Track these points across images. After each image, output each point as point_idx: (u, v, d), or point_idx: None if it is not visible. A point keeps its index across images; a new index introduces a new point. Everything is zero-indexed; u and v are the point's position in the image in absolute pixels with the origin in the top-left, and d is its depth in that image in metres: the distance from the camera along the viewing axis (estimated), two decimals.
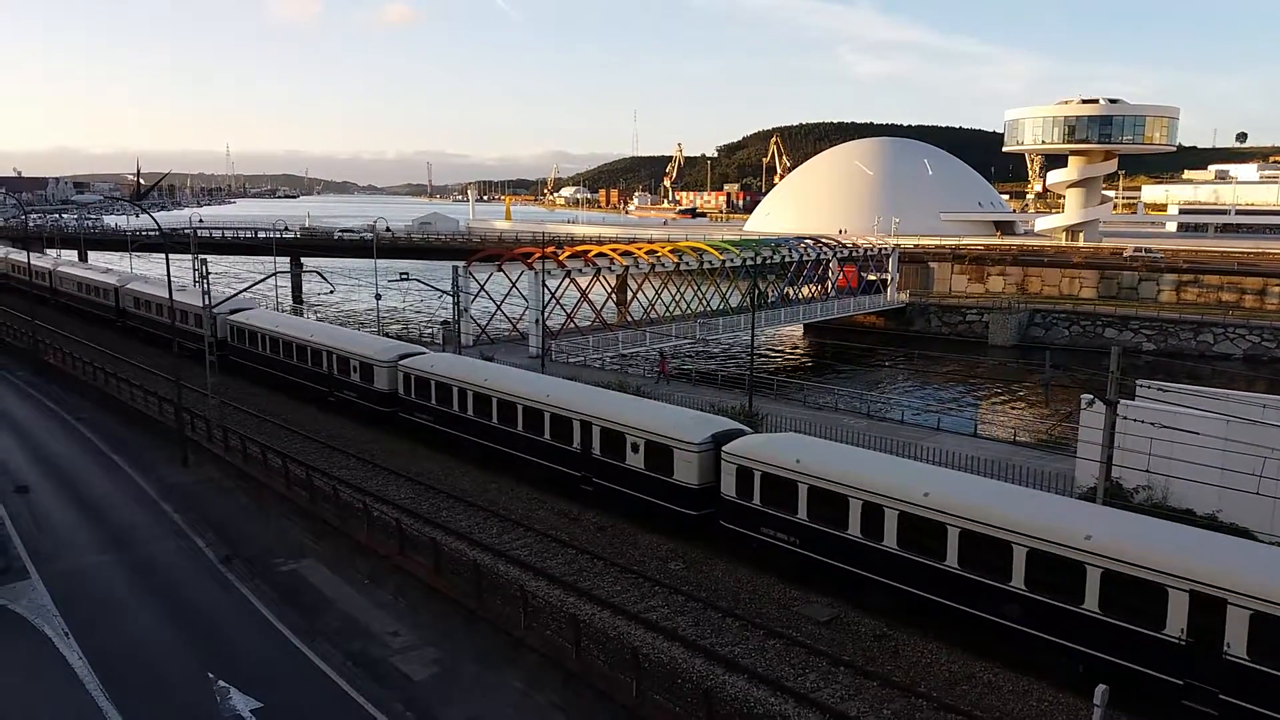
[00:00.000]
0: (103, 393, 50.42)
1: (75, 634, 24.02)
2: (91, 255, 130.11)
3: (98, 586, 27.16)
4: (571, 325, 69.88)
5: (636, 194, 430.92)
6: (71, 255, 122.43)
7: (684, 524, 29.81)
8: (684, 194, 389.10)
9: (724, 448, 28.57)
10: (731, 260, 79.23)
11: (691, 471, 29.28)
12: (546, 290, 63.08)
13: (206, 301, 43.98)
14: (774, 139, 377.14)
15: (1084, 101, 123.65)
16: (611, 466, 31.99)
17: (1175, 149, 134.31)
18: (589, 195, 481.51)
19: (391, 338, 59.92)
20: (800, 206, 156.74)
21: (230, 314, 54.87)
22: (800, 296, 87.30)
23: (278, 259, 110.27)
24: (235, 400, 47.51)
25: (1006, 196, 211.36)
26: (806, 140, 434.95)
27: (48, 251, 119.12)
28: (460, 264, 66.84)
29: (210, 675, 21.93)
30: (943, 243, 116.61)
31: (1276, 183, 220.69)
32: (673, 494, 29.90)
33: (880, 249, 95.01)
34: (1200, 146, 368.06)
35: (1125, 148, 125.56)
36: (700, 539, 29.50)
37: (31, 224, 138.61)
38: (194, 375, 48.21)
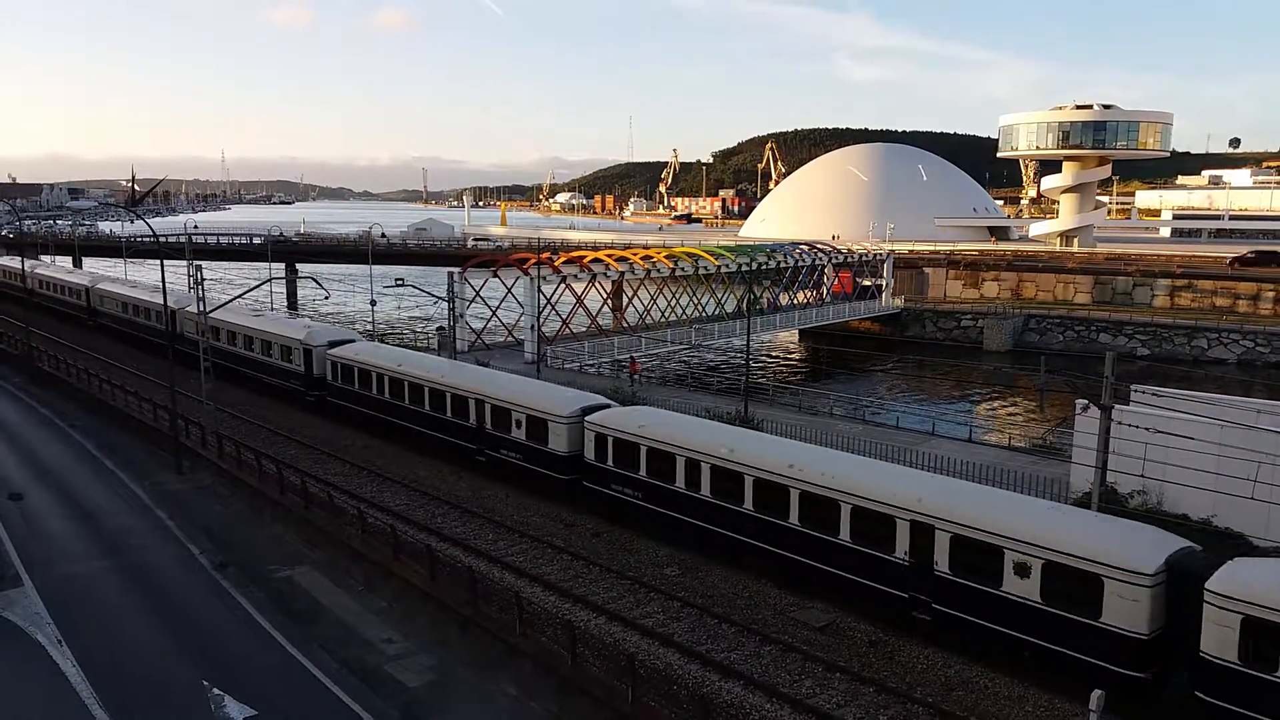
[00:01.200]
0: (97, 399, 50.27)
1: (69, 641, 23.93)
2: (86, 262, 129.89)
3: (92, 593, 27.07)
4: (567, 331, 69.87)
5: (632, 200, 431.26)
6: (84, 262, 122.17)
7: (556, 487, 33.90)
8: (679, 199, 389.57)
9: (586, 418, 32.61)
10: (727, 266, 79.29)
11: (561, 440, 33.50)
12: (542, 296, 63.13)
13: (202, 308, 43.93)
14: (769, 144, 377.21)
15: (1078, 107, 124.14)
16: (500, 438, 36.40)
17: (1169, 154, 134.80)
18: (584, 201, 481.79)
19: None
20: (795, 212, 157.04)
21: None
22: (795, 302, 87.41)
23: (272, 265, 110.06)
24: (229, 406, 47.41)
25: (1001, 202, 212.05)
26: (802, 146, 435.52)
27: (44, 258, 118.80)
28: (456, 270, 66.88)
29: (204, 682, 21.85)
30: (937, 248, 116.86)
31: (1270, 188, 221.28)
32: (548, 461, 34.16)
33: (875, 254, 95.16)
34: (1194, 152, 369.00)
35: (1119, 153, 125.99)
36: (572, 502, 33.41)
37: (25, 230, 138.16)
38: (189, 382, 48.09)
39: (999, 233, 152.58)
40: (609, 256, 75.19)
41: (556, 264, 68.26)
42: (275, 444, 42.23)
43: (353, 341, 49.26)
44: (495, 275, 70.77)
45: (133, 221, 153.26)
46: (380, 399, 43.06)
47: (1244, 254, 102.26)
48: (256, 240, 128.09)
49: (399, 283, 63.12)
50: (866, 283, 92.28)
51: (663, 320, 77.55)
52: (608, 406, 34.28)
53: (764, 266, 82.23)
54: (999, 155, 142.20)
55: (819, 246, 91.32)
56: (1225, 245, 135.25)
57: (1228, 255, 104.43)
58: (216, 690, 21.52)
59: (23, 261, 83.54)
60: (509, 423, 35.57)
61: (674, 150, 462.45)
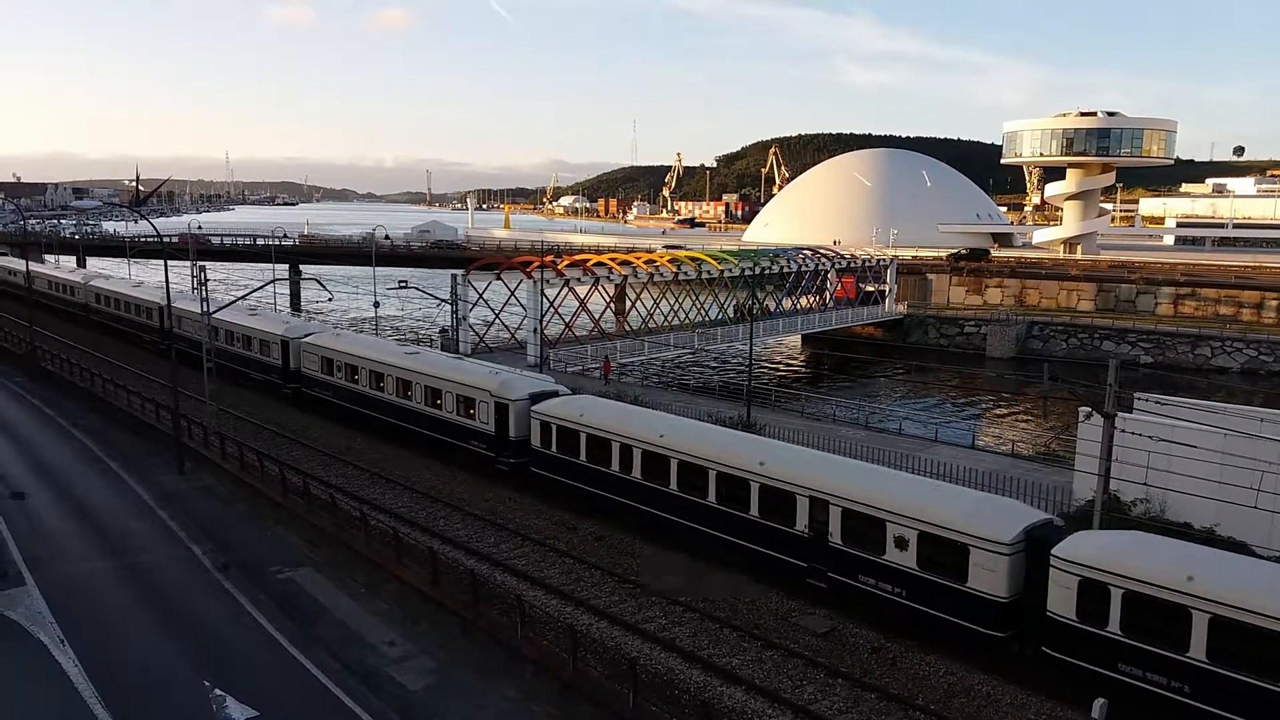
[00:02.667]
0: (100, 399, 50.34)
1: (71, 641, 23.94)
2: (91, 261, 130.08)
3: (94, 593, 27.08)
4: (570, 334, 69.91)
5: (635, 203, 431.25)
6: (98, 262, 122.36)
7: (507, 472, 37.21)
8: (683, 204, 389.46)
9: (533, 407, 35.48)
10: (730, 270, 79.34)
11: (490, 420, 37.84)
12: (545, 299, 63.18)
13: (205, 309, 44.01)
14: (773, 149, 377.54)
15: (1082, 114, 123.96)
16: (459, 426, 39.60)
17: (1173, 162, 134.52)
18: (588, 204, 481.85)
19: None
20: (799, 217, 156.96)
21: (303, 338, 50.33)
22: (799, 307, 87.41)
23: (276, 266, 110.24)
24: (232, 407, 47.46)
25: (1004, 208, 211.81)
26: (805, 151, 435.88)
27: (49, 258, 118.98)
28: (459, 272, 66.96)
29: (206, 683, 21.85)
30: (941, 254, 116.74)
31: (1273, 196, 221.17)
32: (479, 438, 38.43)
33: (878, 260, 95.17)
34: (1198, 160, 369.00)
35: (1123, 160, 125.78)
36: (523, 486, 36.06)
37: (30, 229, 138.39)
38: (191, 382, 48.14)
39: (1002, 239, 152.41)
40: (612, 260, 75.25)
41: (560, 267, 68.33)
42: (278, 445, 42.27)
43: (321, 332, 53.11)
44: (499, 278, 70.83)
45: (136, 222, 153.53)
46: (344, 385, 46.72)
47: (957, 250, 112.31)
48: (261, 241, 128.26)
49: (402, 285, 63.25)
50: (869, 288, 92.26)
51: (666, 324, 77.58)
52: (558, 393, 37.18)
53: (767, 271, 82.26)
54: (1003, 162, 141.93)
55: (822, 251, 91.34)
56: (1229, 253, 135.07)
57: (1233, 264, 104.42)
58: (218, 691, 21.52)
59: (27, 262, 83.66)
60: (470, 409, 38.81)
61: (678, 154, 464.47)
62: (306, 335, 50.20)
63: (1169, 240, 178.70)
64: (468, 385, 38.60)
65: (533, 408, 35.64)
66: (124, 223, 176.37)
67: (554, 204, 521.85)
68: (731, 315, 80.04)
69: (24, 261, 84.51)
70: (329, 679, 22.27)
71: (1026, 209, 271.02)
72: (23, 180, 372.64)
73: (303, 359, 49.30)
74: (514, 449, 36.15)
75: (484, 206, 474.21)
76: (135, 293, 70.13)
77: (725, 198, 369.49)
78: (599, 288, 74.40)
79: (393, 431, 42.91)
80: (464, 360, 46.34)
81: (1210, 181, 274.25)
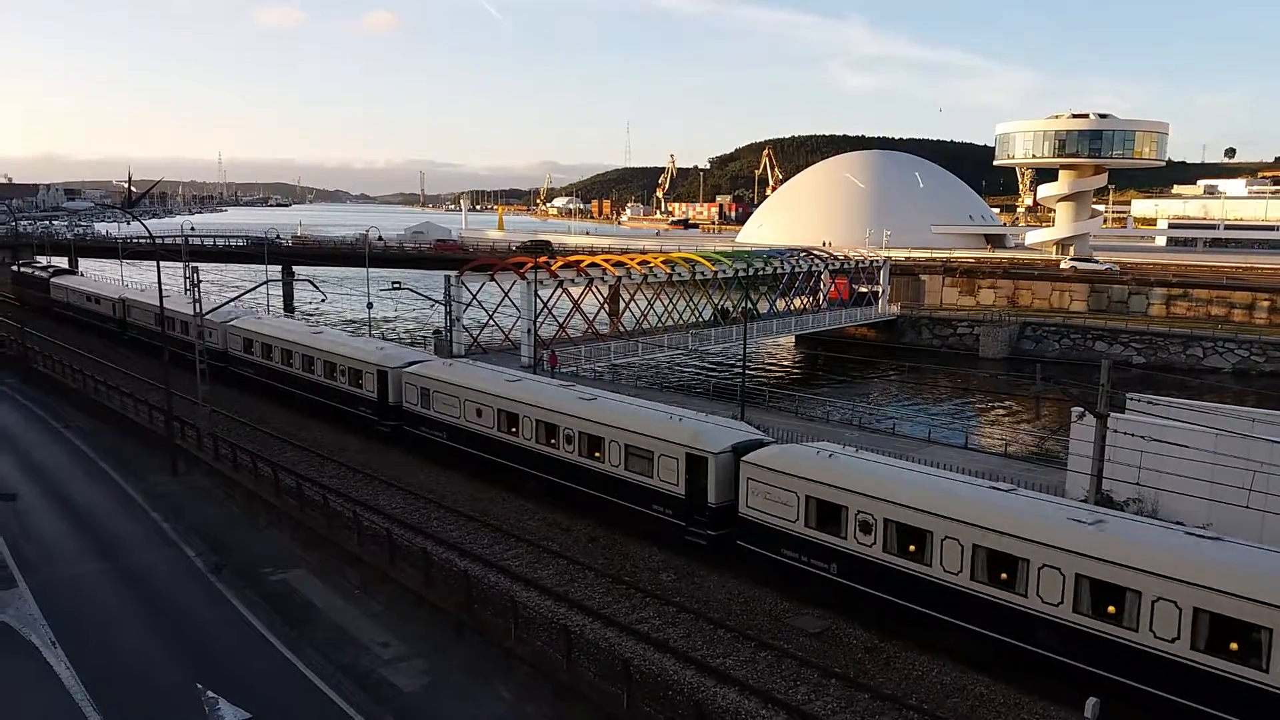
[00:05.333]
0: (93, 400, 50.16)
1: (63, 643, 23.85)
2: (83, 263, 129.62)
3: (86, 596, 26.99)
4: (564, 335, 69.86)
5: (629, 205, 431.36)
6: (90, 263, 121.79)
7: (381, 431, 42.30)
8: (676, 205, 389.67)
9: (404, 370, 39.01)
10: (724, 271, 79.39)
11: (387, 391, 42.00)
12: (539, 300, 63.16)
13: (199, 310, 43.93)
14: (766, 151, 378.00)
15: (1074, 116, 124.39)
16: (351, 394, 43.56)
17: (1165, 164, 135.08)
18: (582, 205, 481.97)
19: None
20: (792, 218, 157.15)
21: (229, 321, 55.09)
22: (792, 308, 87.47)
23: (269, 267, 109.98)
24: (226, 408, 47.35)
25: (997, 210, 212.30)
26: (799, 152, 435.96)
27: (40, 259, 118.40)
28: (453, 273, 66.88)
29: (199, 686, 21.79)
30: (934, 255, 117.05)
31: (1264, 198, 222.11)
32: (377, 409, 42.85)
33: (871, 261, 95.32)
34: (1189, 161, 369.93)
35: (1115, 162, 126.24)
36: (397, 442, 40.86)
37: (21, 231, 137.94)
38: (184, 383, 48.01)
39: (995, 240, 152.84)
40: (606, 261, 75.22)
41: (553, 268, 68.28)
42: (271, 446, 42.17)
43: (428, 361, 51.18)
44: (493, 279, 70.77)
45: (129, 223, 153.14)
46: (263, 363, 50.66)
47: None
48: (253, 238, 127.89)
49: (396, 286, 63.17)
50: (863, 289, 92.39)
51: (659, 325, 77.59)
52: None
53: (760, 272, 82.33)
54: (995, 163, 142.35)
55: (815, 253, 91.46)
56: (1221, 254, 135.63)
57: (1224, 265, 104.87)
58: (211, 693, 21.45)
59: (19, 264, 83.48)
60: (359, 378, 42.64)
61: (671, 156, 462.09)
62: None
63: (1161, 241, 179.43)
64: (657, 437, 30.45)
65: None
66: (116, 224, 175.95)
67: (548, 205, 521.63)
68: (710, 318, 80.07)
69: (19, 264, 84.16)
70: (322, 681, 22.23)
71: (1019, 210, 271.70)
72: (14, 181, 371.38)
73: (405, 392, 42.06)
74: (712, 517, 28.65)
75: (478, 208, 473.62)
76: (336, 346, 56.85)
77: (719, 199, 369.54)
78: (593, 289, 74.32)
79: (509, 475, 36.32)
80: (639, 405, 35.10)
81: (1202, 183, 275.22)
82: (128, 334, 68.57)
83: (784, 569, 26.40)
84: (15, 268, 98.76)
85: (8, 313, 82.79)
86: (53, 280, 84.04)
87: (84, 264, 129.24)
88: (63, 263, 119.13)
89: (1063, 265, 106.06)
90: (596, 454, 32.33)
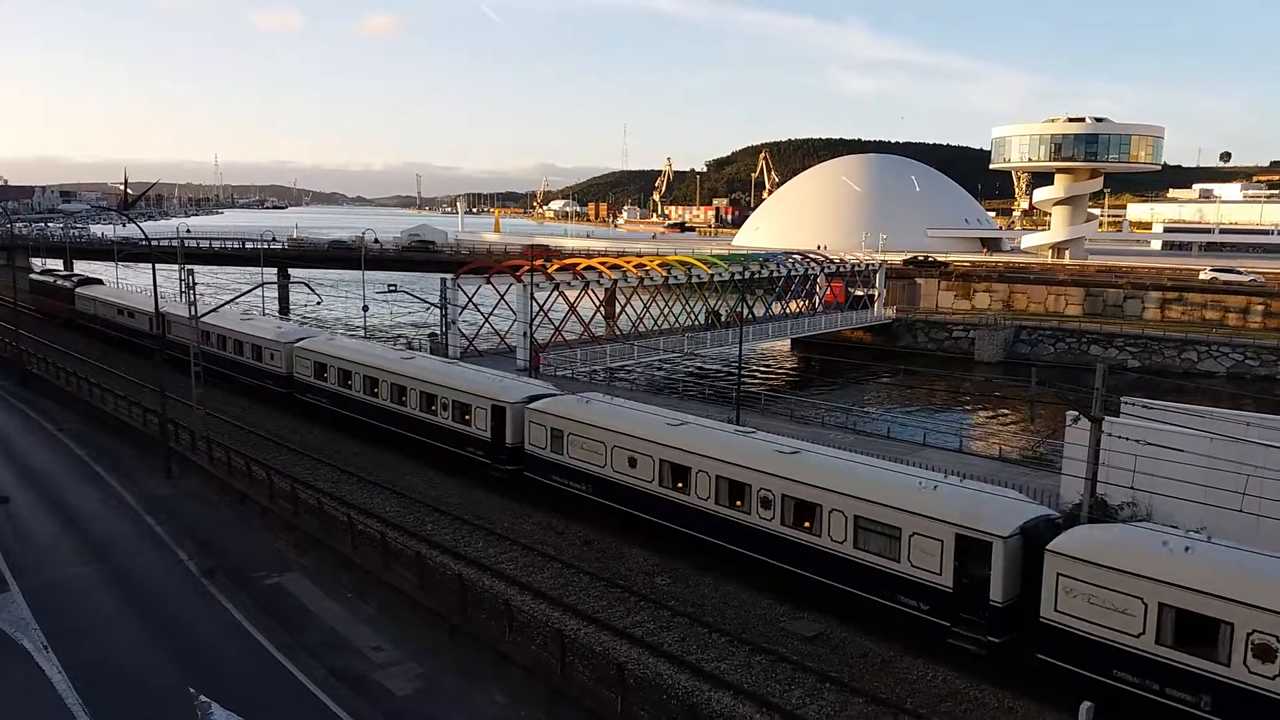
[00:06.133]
0: (87, 404, 50.02)
1: (55, 647, 23.74)
2: (78, 265, 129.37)
3: (78, 599, 26.88)
4: (559, 338, 69.81)
5: (625, 208, 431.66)
6: (84, 265, 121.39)
7: (278, 399, 48.65)
8: (673, 208, 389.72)
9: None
10: (720, 275, 79.42)
11: (281, 363, 48.46)
12: (534, 303, 63.10)
13: (194, 312, 43.82)
14: (763, 154, 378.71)
15: (1070, 120, 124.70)
16: (256, 368, 49.58)
17: (1160, 168, 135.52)
18: (578, 208, 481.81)
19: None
20: (788, 222, 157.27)
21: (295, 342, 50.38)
22: (788, 311, 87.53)
23: (265, 270, 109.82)
24: (220, 412, 47.24)
25: (993, 213, 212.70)
26: (795, 156, 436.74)
27: (35, 261, 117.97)
28: (449, 276, 66.81)
29: (192, 690, 21.71)
30: (929, 258, 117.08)
31: (1260, 202, 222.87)
32: (273, 379, 49.31)
33: (867, 264, 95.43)
34: (1185, 165, 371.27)
35: (1111, 166, 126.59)
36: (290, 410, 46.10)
37: (17, 233, 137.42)
38: (178, 386, 47.90)
39: (991, 244, 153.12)
40: (602, 264, 75.22)
41: (550, 271, 68.23)
42: (265, 449, 42.08)
43: (556, 396, 55.31)
44: (489, 282, 70.72)
45: (125, 225, 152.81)
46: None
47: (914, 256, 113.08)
48: (249, 245, 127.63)
49: (391, 289, 63.10)
50: (859, 293, 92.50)
51: (656, 328, 77.57)
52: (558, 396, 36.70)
53: (757, 276, 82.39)
54: (991, 167, 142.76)
55: (812, 256, 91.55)
56: (1216, 258, 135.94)
57: (1218, 268, 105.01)
58: (203, 697, 21.38)
59: (14, 269, 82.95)
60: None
61: (668, 159, 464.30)
62: (532, 399, 35.90)
63: (1156, 245, 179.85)
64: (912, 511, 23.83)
65: (296, 345, 48.52)
66: (112, 226, 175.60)
67: (544, 208, 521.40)
68: (703, 321, 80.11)
69: (13, 271, 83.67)
70: (315, 685, 22.16)
71: (1015, 214, 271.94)
72: (9, 183, 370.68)
73: (528, 431, 35.06)
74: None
75: (474, 210, 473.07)
76: (250, 329, 54.41)
77: (715, 202, 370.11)
78: (589, 292, 74.32)
79: (676, 540, 29.95)
80: (882, 468, 27.45)
81: (1197, 187, 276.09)
82: (168, 351, 61.27)
83: (554, 492, 33.64)
84: (33, 276, 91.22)
85: (27, 325, 76.31)
86: (78, 291, 76.79)
87: (79, 266, 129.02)
88: (58, 264, 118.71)
89: (1203, 276, 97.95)
90: (807, 524, 25.89)
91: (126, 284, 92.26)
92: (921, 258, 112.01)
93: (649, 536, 30.53)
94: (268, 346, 51.21)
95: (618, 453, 31.28)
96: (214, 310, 48.29)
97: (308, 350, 47.94)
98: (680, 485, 29.36)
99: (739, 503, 27.64)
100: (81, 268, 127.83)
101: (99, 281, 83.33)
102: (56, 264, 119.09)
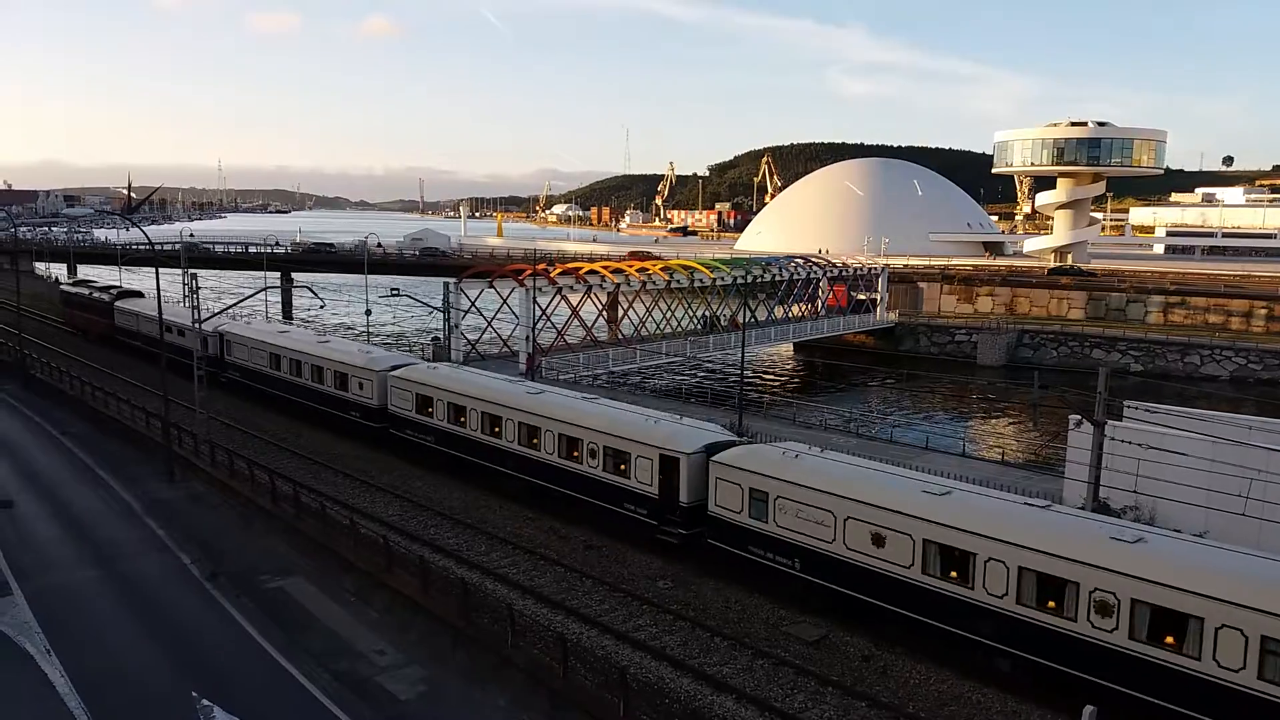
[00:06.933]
0: (90, 407, 50.09)
1: (57, 651, 23.77)
2: (80, 269, 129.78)
3: (81, 603, 26.91)
4: (562, 342, 69.87)
5: (628, 212, 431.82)
6: (88, 269, 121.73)
7: (365, 433, 44.23)
8: (675, 212, 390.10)
9: (392, 373, 42.21)
10: (722, 279, 79.43)
11: (372, 393, 44.12)
12: (537, 307, 63.17)
13: (196, 315, 43.92)
14: (765, 159, 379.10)
15: (1073, 124, 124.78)
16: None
17: (1163, 172, 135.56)
18: (581, 213, 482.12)
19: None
20: (791, 226, 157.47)
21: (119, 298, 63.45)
22: (791, 315, 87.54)
23: (268, 274, 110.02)
24: (223, 416, 47.29)
25: (995, 218, 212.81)
26: (798, 160, 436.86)
27: (38, 265, 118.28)
28: (452, 280, 66.91)
29: (194, 694, 21.72)
30: (932, 263, 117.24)
31: (1262, 206, 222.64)
32: (360, 411, 45.24)
33: (870, 269, 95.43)
34: (1187, 169, 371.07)
35: (1113, 170, 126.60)
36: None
37: (21, 237, 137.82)
38: (182, 390, 47.95)
39: (993, 248, 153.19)
40: (604, 268, 75.27)
41: (552, 275, 68.29)
42: (268, 453, 42.11)
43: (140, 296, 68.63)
44: (491, 286, 70.81)
45: (129, 229, 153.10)
46: (448, 429, 39.10)
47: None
48: (253, 249, 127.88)
49: (394, 293, 63.18)
50: (861, 297, 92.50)
51: (659, 332, 77.60)
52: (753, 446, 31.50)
53: (759, 280, 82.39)
54: (994, 171, 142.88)
55: (814, 260, 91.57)
56: (1219, 262, 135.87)
57: (1222, 273, 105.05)
58: (206, 701, 21.39)
59: (16, 270, 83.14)
60: (347, 382, 45.28)
61: (670, 163, 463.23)
62: (716, 447, 29.88)
63: (1159, 249, 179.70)
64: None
65: (220, 328, 53.72)
66: (116, 230, 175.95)
67: (547, 212, 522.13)
68: (700, 326, 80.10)
69: (16, 272, 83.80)
70: (318, 689, 22.16)
71: (1017, 218, 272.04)
72: (13, 188, 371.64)
73: (716, 490, 28.68)
74: (213, 363, 50.84)
75: (477, 215, 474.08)
76: (332, 353, 47.82)
77: (718, 206, 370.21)
78: (591, 296, 74.39)
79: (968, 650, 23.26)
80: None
81: (1200, 191, 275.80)
82: (226, 375, 54.84)
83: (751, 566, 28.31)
84: (65, 287, 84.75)
85: (57, 340, 72.76)
86: (118, 304, 69.23)
87: (83, 270, 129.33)
88: (61, 269, 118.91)
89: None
90: (953, 571, 22.55)
91: (170, 294, 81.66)
92: (1067, 265, 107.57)
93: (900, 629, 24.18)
94: (356, 374, 44.50)
95: (855, 528, 24.72)
96: (284, 331, 49.06)
97: (408, 380, 41.24)
98: (955, 575, 22.76)
99: (1059, 605, 20.84)
100: (85, 272, 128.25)
101: (139, 294, 72.65)
102: (94, 272, 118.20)
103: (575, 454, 33.02)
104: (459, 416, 38.40)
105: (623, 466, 31.35)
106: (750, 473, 27.43)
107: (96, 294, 75.21)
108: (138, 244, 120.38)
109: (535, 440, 34.64)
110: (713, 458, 28.50)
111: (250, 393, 52.88)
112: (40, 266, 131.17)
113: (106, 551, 30.90)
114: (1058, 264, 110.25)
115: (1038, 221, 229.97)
